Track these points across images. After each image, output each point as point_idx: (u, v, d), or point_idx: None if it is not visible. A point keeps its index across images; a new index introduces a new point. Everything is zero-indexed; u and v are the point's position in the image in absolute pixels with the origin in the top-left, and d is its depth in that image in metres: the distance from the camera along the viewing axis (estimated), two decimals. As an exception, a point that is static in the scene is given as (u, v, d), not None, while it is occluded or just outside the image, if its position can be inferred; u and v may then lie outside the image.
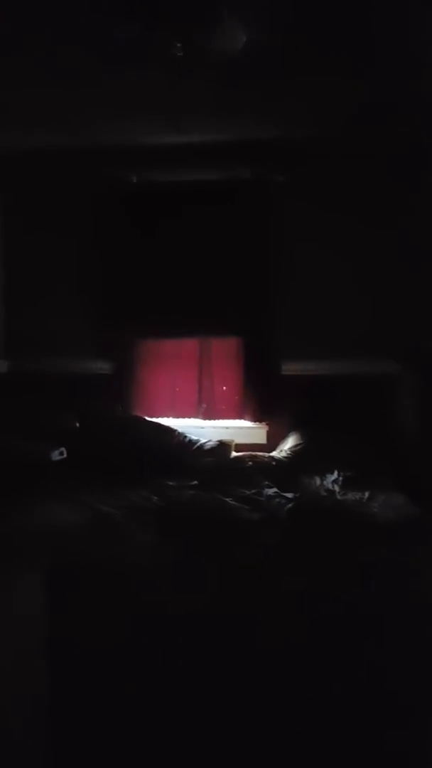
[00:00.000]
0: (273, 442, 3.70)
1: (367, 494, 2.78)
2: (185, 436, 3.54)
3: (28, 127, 3.43)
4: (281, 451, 3.50)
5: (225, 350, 3.88)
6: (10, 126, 3.37)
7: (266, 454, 3.48)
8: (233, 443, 3.58)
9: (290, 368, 3.71)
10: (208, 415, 3.87)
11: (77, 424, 3.55)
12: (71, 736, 1.86)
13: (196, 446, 3.46)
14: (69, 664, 1.92)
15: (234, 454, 3.52)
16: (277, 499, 2.73)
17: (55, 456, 3.21)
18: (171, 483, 2.99)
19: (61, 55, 2.60)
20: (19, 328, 3.89)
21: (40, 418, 3.51)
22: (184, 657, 1.94)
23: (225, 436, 3.62)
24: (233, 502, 2.67)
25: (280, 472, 3.15)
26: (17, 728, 1.75)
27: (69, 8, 2.22)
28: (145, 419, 3.71)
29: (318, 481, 3.01)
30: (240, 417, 3.85)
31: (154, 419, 3.73)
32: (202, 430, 3.73)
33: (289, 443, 3.51)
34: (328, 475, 3.05)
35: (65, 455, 3.25)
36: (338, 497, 2.81)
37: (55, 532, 2.37)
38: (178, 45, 2.37)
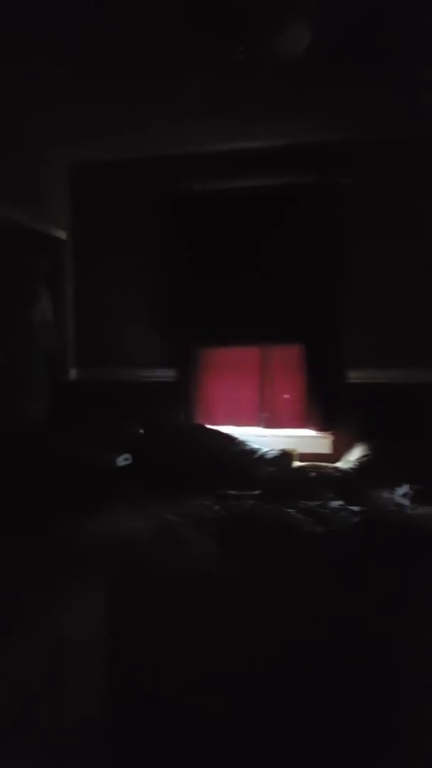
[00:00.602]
0: (338, 452, 3.59)
1: (439, 509, 2.63)
2: (247, 445, 3.50)
3: (97, 139, 3.54)
4: (347, 461, 3.38)
5: (287, 358, 3.82)
6: (80, 138, 3.50)
7: (331, 465, 3.38)
8: (296, 453, 3.51)
9: (357, 376, 3.60)
10: (270, 424, 3.81)
11: (141, 432, 3.59)
12: (131, 741, 1.86)
13: (257, 455, 3.41)
14: (130, 668, 1.93)
15: (297, 463, 3.44)
16: (343, 512, 2.63)
17: (121, 462, 3.25)
18: (232, 492, 2.96)
19: (126, 66, 2.66)
20: (87, 337, 3.99)
21: (106, 426, 3.57)
22: (242, 667, 1.90)
23: (287, 446, 3.54)
24: (296, 514, 2.60)
25: (346, 483, 3.04)
26: (77, 730, 1.76)
27: (132, 18, 2.26)
28: (206, 427, 3.70)
29: (386, 494, 2.88)
30: (303, 426, 3.77)
31: (215, 427, 3.72)
32: (264, 438, 3.67)
33: (355, 454, 3.39)
34: (398, 488, 2.92)
35: (130, 461, 3.29)
36: (408, 511, 2.68)
37: (120, 540, 2.40)
38: (242, 49, 2.36)
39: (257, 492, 2.96)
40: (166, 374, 3.89)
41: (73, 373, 3.97)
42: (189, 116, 3.20)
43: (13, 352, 3.40)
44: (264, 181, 3.67)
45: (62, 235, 3.79)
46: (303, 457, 3.53)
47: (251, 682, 1.90)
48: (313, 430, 3.73)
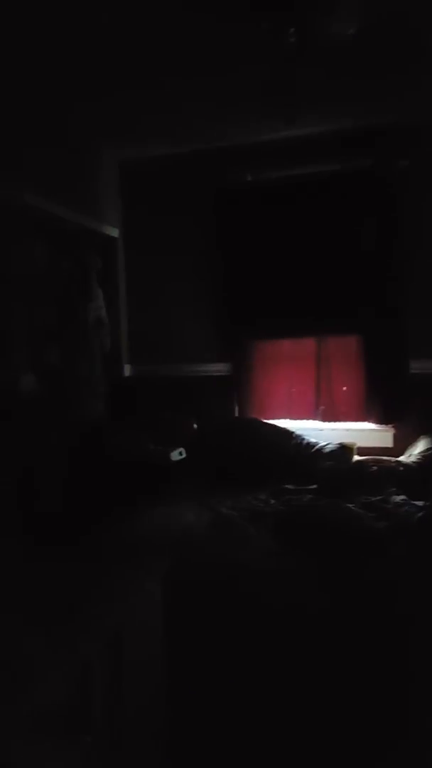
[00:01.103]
0: (400, 445, 3.44)
1: None
2: (303, 439, 3.41)
3: (147, 135, 3.56)
4: (410, 455, 3.23)
5: (345, 349, 3.69)
6: (130, 134, 3.52)
7: (393, 459, 3.23)
8: (355, 446, 3.38)
9: (419, 366, 3.43)
10: (328, 417, 3.70)
11: (195, 426, 3.58)
12: (188, 737, 1.83)
13: (315, 449, 3.31)
14: (187, 662, 1.90)
15: (356, 457, 3.32)
16: (406, 507, 2.50)
17: (175, 456, 3.25)
18: (289, 487, 2.89)
19: (175, 59, 2.64)
20: (141, 333, 4.02)
21: (161, 421, 3.59)
22: (300, 663, 1.83)
23: (346, 439, 3.42)
24: (356, 509, 2.50)
25: (409, 478, 2.90)
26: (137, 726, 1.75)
27: (183, 7, 2.24)
28: (262, 421, 3.63)
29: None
30: (363, 419, 3.64)
31: (271, 421, 3.65)
32: (322, 432, 3.57)
33: (419, 447, 3.23)
34: (465, 483, 2.76)
35: (185, 455, 3.28)
36: None
37: (176, 533, 2.39)
38: (293, 31, 2.30)
39: (315, 486, 2.88)
40: (220, 368, 3.86)
41: (127, 369, 4.01)
42: (239, 106, 3.15)
43: (70, 350, 3.46)
44: (318, 168, 3.55)
45: (114, 232, 3.83)
46: (363, 451, 3.40)
47: (307, 676, 1.83)
48: (374, 423, 3.59)
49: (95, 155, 3.65)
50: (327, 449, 3.28)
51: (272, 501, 2.68)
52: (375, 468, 3.05)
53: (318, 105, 3.11)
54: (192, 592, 1.95)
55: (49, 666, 1.49)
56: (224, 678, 1.91)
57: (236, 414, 3.82)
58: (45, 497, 2.61)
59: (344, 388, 3.71)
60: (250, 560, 2.11)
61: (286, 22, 2.27)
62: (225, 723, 1.86)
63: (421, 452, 3.15)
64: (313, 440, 3.39)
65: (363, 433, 3.58)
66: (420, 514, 2.39)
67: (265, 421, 3.64)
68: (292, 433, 3.46)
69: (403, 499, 2.59)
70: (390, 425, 3.54)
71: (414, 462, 3.10)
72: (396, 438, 3.51)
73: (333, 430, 3.61)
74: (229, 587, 1.98)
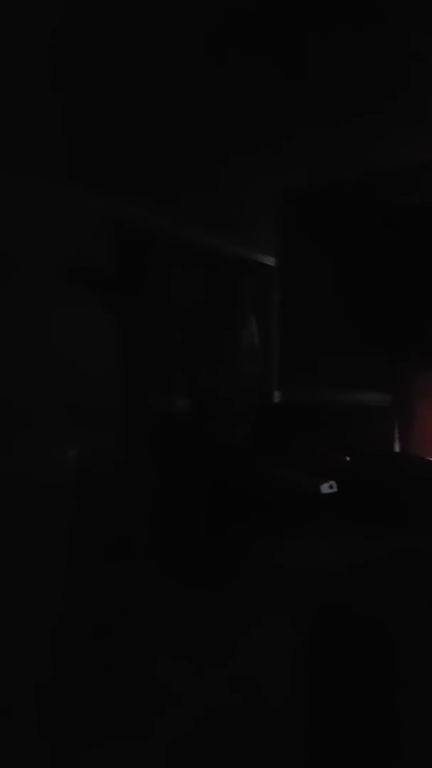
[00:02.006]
0: None
1: None
2: None
3: (307, 163, 3.55)
4: None
5: None
6: (289, 165, 3.54)
7: None
8: None
9: None
10: None
11: (348, 459, 3.36)
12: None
13: None
14: (325, 709, 1.72)
15: None
16: None
17: (325, 489, 3.07)
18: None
19: (337, 81, 2.60)
20: (293, 360, 3.95)
21: (311, 451, 3.44)
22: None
23: None
24: None
25: None
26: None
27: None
28: (423, 458, 3.30)
29: None
30: None
31: (435, 459, 3.30)
32: None
33: None
34: None
35: (335, 489, 3.09)
36: None
37: (318, 569, 2.24)
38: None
39: None
40: (378, 399, 3.61)
41: (277, 396, 3.94)
42: (402, 126, 3.00)
43: (221, 376, 3.51)
44: None
45: (270, 260, 3.85)
46: None
47: None
48: None
49: (253, 184, 3.73)
50: None
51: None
52: None
53: None
54: (332, 634, 1.78)
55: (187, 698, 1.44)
56: (366, 726, 1.68)
57: (396, 449, 3.53)
58: (189, 519, 2.62)
59: None
60: (400, 609, 1.87)
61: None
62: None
63: None
64: None
65: None
66: None
67: (428, 458, 3.30)
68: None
69: None
70: None
71: None
72: None
73: None
74: (370, 633, 1.77)
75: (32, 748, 1.02)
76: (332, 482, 3.17)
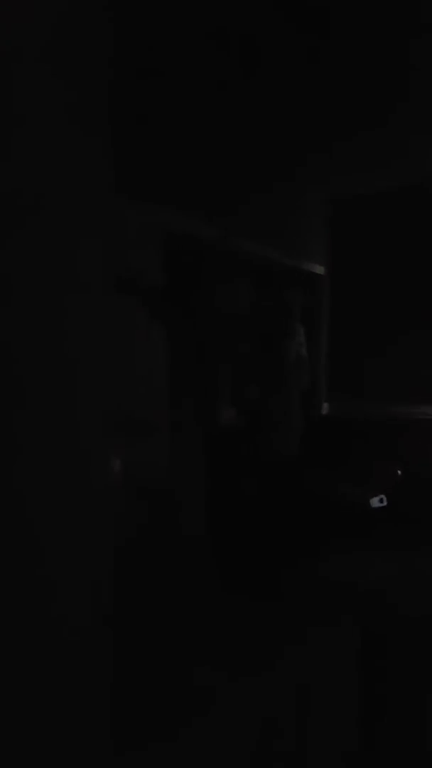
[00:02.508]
0: None
1: None
2: None
3: (358, 172, 3.51)
4: None
5: None
6: (340, 174, 3.51)
7: None
8: None
9: None
10: None
11: (400, 473, 3.26)
12: None
13: None
14: (378, 728, 1.65)
15: None
16: None
17: (375, 503, 3.00)
18: None
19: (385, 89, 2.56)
20: (342, 371, 3.88)
21: (361, 463, 3.36)
22: None
23: None
24: None
25: None
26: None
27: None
28: None
29: None
30: None
31: None
32: None
33: None
34: None
35: (386, 503, 3.00)
36: None
37: (367, 584, 2.17)
38: None
39: None
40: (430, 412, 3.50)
41: (326, 408, 3.88)
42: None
43: (269, 387, 3.48)
44: None
45: (320, 270, 3.81)
46: None
47: None
48: None
49: (304, 194, 3.71)
50: None
51: None
52: None
53: None
54: (383, 647, 1.71)
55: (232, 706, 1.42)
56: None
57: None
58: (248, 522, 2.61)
59: None
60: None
61: None
62: None
63: None
64: None
65: None
66: None
67: None
68: None
69: None
70: None
71: None
72: None
73: None
74: (420, 645, 1.69)
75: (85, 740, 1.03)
76: (382, 496, 3.08)
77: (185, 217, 2.51)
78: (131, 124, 2.14)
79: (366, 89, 2.56)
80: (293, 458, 3.52)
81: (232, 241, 2.99)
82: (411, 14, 2.02)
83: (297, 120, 2.84)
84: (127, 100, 2.01)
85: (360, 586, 2.14)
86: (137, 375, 2.27)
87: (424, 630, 1.79)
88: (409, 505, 2.99)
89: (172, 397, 2.50)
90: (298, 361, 3.65)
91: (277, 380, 3.54)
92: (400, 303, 3.65)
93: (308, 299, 3.71)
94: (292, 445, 3.55)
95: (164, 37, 2.05)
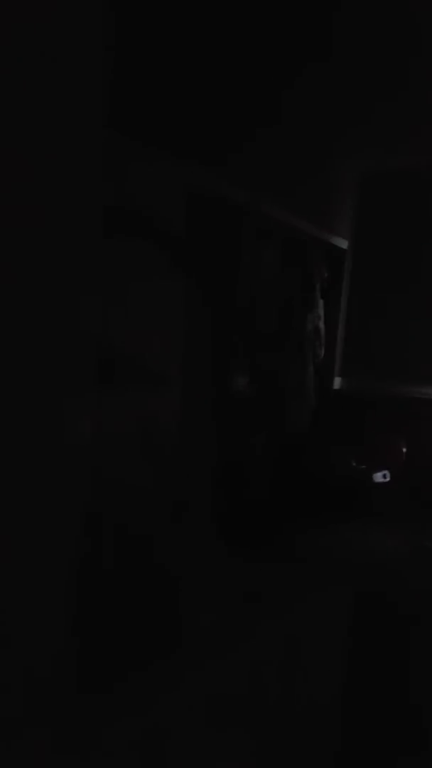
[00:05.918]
0: None
1: None
2: None
3: (388, 146, 3.44)
4: None
5: None
6: (371, 147, 3.45)
7: None
8: None
9: None
10: None
11: (404, 450, 3.29)
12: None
13: None
14: (369, 690, 1.71)
15: None
16: None
17: (378, 478, 3.03)
18: None
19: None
20: (356, 345, 3.88)
21: (367, 439, 3.39)
22: None
23: None
24: None
25: None
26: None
27: None
28: None
29: None
30: None
31: None
32: None
33: None
34: None
35: (388, 479, 3.03)
36: None
37: (366, 558, 2.21)
38: None
39: None
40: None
41: (338, 382, 3.88)
42: None
43: (284, 358, 3.48)
44: None
45: (344, 244, 3.77)
46: None
47: None
48: None
49: (335, 165, 3.66)
50: None
51: None
52: None
53: None
54: (378, 622, 1.76)
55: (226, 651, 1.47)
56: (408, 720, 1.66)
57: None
58: (253, 487, 2.66)
59: None
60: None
61: None
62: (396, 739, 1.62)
63: None
64: None
65: None
66: None
67: None
68: None
69: None
70: None
71: None
72: None
73: None
74: (418, 620, 1.73)
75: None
76: (386, 472, 3.11)
77: (211, 173, 2.49)
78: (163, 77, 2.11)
79: (392, 63, 2.49)
80: (303, 430, 3.55)
81: (261, 205, 2.96)
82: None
83: (329, 88, 2.79)
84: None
85: (357, 558, 2.18)
86: (152, 323, 2.24)
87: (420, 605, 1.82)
88: (412, 483, 3.02)
89: (185, 354, 2.50)
90: (315, 333, 3.65)
91: (292, 351, 3.55)
92: (423, 282, 3.62)
93: (331, 273, 3.69)
94: (303, 417, 3.57)
95: None
